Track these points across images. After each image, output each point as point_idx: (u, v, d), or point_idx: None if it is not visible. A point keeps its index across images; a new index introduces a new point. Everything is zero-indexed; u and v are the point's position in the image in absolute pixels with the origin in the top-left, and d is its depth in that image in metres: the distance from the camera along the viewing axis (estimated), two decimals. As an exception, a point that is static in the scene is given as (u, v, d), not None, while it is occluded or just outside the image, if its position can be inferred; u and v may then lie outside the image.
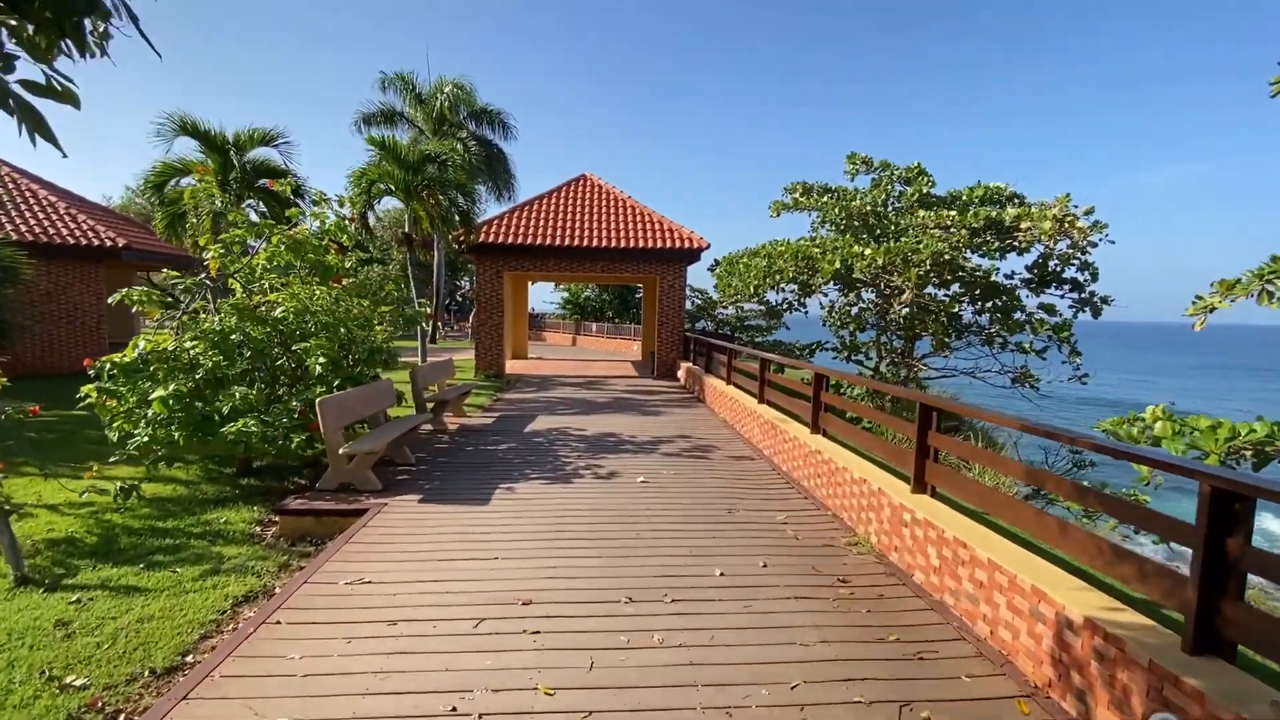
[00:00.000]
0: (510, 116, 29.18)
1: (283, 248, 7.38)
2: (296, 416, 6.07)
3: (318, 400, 5.67)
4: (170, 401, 5.64)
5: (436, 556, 4.47)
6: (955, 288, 14.57)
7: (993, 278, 11.76)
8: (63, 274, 14.30)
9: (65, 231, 14.35)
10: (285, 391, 6.50)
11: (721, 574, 4.22)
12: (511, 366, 18.19)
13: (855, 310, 16.44)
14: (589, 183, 18.49)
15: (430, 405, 8.97)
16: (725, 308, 34.91)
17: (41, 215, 14.68)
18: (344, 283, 7.94)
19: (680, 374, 15.35)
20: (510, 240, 15.47)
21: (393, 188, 12.62)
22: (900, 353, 15.24)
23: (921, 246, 11.02)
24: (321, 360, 6.30)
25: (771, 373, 8.81)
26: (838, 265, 11.66)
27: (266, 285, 7.25)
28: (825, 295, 15.16)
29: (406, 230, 12.91)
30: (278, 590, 4.28)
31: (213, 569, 4.60)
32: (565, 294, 35.73)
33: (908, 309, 11.76)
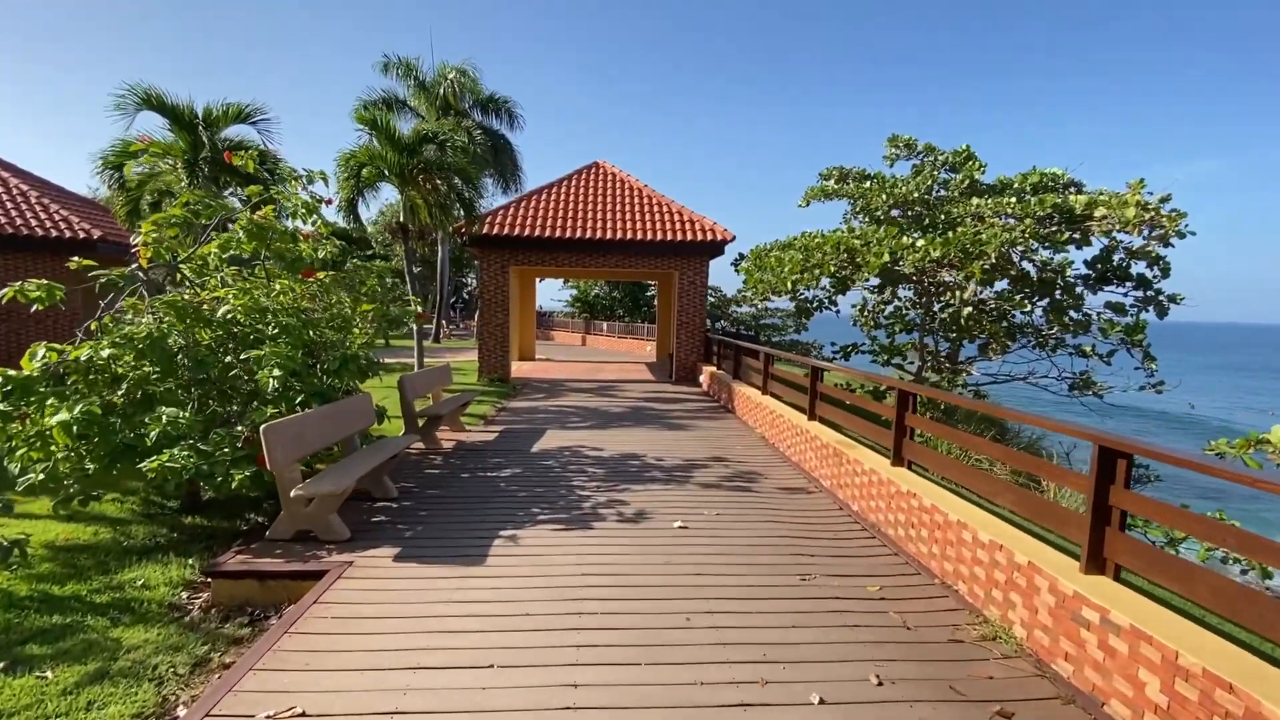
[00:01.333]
0: (518, 105, 27.87)
1: (242, 234, 6.09)
2: (242, 445, 4.77)
3: (262, 427, 4.36)
4: (75, 427, 4.35)
5: (406, 662, 3.15)
6: (1001, 284, 13.15)
7: (1068, 272, 10.32)
8: (31, 268, 13.11)
9: (35, 222, 13.18)
10: (233, 412, 5.20)
11: (821, 701, 2.87)
12: (518, 369, 16.88)
13: (891, 308, 15.08)
14: (602, 171, 17.13)
15: (421, 421, 7.66)
16: (741, 306, 33.60)
17: (10, 204, 13.52)
18: (318, 276, 6.64)
19: (703, 379, 13.99)
20: (516, 232, 14.15)
21: (386, 172, 11.32)
22: (946, 356, 13.82)
23: (987, 236, 9.60)
24: (276, 373, 5.00)
25: (822, 383, 7.43)
26: (885, 259, 10.26)
27: (221, 279, 5.95)
28: (852, 293, 13.79)
29: (401, 220, 11.60)
30: (180, 714, 2.98)
31: (100, 669, 3.30)
32: (574, 291, 34.39)
33: (969, 307, 10.34)
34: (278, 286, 5.78)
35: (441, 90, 25.40)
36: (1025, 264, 10.50)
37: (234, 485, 4.56)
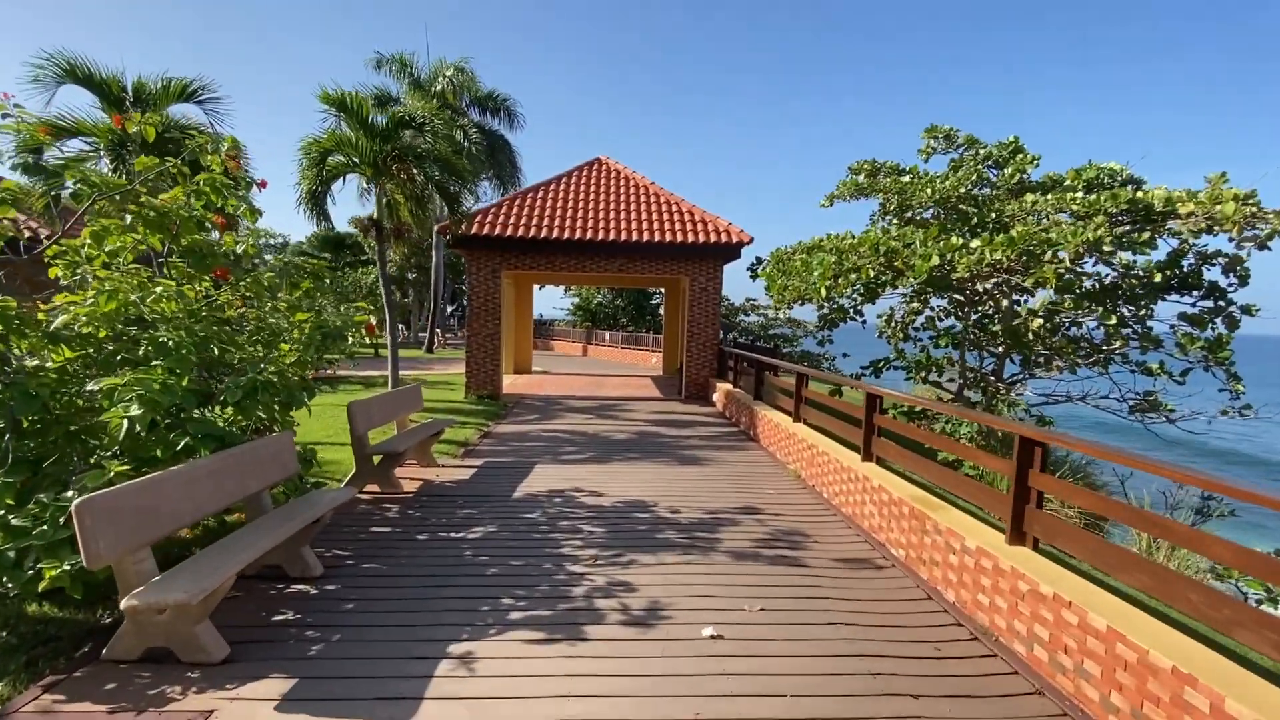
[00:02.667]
0: (516, 104, 26.64)
1: (133, 221, 4.63)
2: (68, 520, 3.25)
3: (76, 502, 2.84)
4: None
5: None
6: (1043, 292, 11.61)
7: (1156, 277, 8.77)
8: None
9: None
10: (68, 471, 3.66)
11: None
12: (511, 384, 15.36)
13: (923, 318, 13.56)
14: (605, 167, 15.68)
15: (377, 458, 6.13)
16: (749, 314, 32.08)
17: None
18: (245, 281, 5.15)
19: (716, 397, 12.44)
20: (509, 232, 12.68)
21: (356, 160, 9.85)
22: (991, 373, 12.25)
23: (1057, 236, 8.07)
24: (135, 410, 3.48)
25: (881, 413, 5.87)
26: (934, 261, 8.73)
27: (92, 277, 4.44)
28: (878, 302, 12.23)
29: (375, 216, 10.13)
30: None
31: None
32: (575, 299, 32.93)
33: (1039, 318, 8.78)
34: (159, 289, 4.26)
35: (438, 87, 24.18)
36: (1100, 268, 8.98)
37: (41, 585, 3.04)
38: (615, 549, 4.79)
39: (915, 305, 13.35)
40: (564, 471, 7.14)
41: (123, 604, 2.93)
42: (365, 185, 10.50)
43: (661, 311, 33.68)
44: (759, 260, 14.01)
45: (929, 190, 10.96)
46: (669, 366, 18.96)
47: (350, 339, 5.17)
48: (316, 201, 9.62)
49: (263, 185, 5.85)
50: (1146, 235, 8.95)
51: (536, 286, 35.95)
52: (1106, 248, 7.84)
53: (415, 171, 9.61)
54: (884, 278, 9.56)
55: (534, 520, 5.42)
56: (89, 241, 4.53)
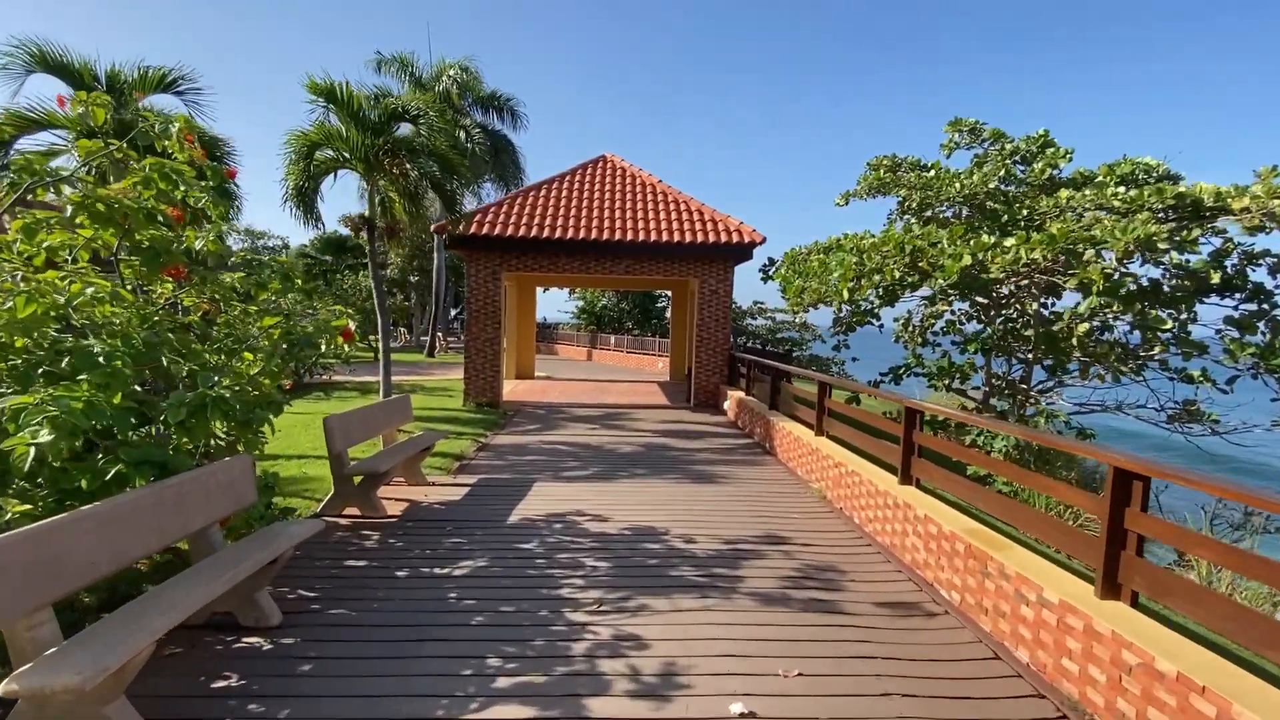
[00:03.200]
0: (520, 104, 26.15)
1: (74, 214, 4.05)
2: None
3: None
4: None
5: None
6: (1071, 295, 10.92)
7: (1214, 278, 8.07)
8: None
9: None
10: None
11: None
12: (513, 390, 14.75)
13: (943, 322, 12.91)
14: (610, 165, 15.08)
15: (357, 478, 5.52)
16: (756, 318, 31.40)
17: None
18: (195, 279, 4.56)
19: (728, 406, 11.79)
20: (510, 232, 12.09)
21: (346, 155, 9.28)
22: (1019, 380, 11.56)
23: (1101, 234, 7.40)
24: (44, 436, 2.88)
25: (921, 430, 5.21)
26: (966, 261, 8.07)
27: (20, 278, 3.86)
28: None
29: (367, 214, 9.54)
30: None
31: None
32: (580, 302, 32.34)
33: (1085, 322, 8.11)
34: (90, 290, 3.66)
35: (440, 87, 23.76)
36: (1148, 268, 8.30)
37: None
38: (622, 590, 4.15)
39: (935, 309, 12.69)
40: (565, 491, 6.50)
41: (1, 688, 2.32)
42: (364, 183, 9.92)
43: (668, 315, 33.13)
44: (771, 261, 13.37)
45: (957, 185, 10.30)
46: (676, 372, 18.32)
47: (324, 347, 4.56)
48: (304, 198, 9.05)
49: (231, 175, 5.27)
50: (1196, 233, 8.27)
51: (540, 289, 35.31)
52: (1161, 245, 7.16)
53: (409, 167, 9.02)
54: (910, 279, 8.90)
55: (530, 552, 4.79)
56: (20, 236, 3.94)
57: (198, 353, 4.26)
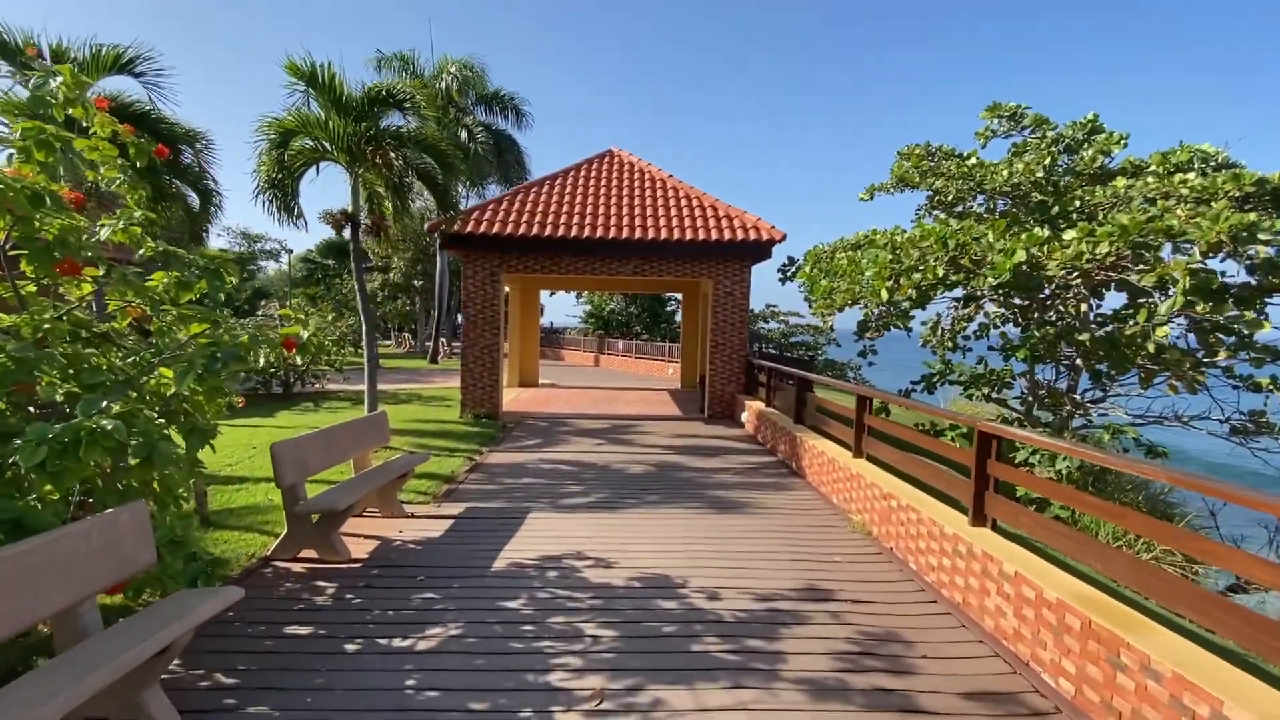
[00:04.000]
0: (525, 101, 25.42)
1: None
2: None
3: None
4: None
5: None
6: (1113, 294, 9.89)
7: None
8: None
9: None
10: None
11: None
12: (514, 400, 13.86)
13: (976, 325, 11.92)
14: (617, 159, 14.20)
15: (315, 516, 4.62)
16: (768, 321, 30.37)
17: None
18: (109, 276, 3.69)
19: (746, 418, 10.83)
20: (510, 230, 11.22)
21: (327, 145, 8.44)
22: (1066, 390, 10.53)
23: (1205, 223, 6.39)
24: None
25: (998, 458, 4.24)
26: (1020, 256, 7.09)
27: None
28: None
29: (350, 210, 8.70)
30: None
31: None
32: (588, 306, 31.47)
33: (1166, 324, 7.09)
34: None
35: (443, 84, 23.09)
36: (1230, 263, 7.28)
37: None
38: (630, 675, 3.21)
39: (966, 311, 11.69)
40: (564, 525, 5.57)
41: None
42: (348, 176, 9.08)
43: (678, 319, 32.18)
44: (791, 261, 12.41)
45: (1004, 174, 9.31)
46: (688, 379, 17.38)
47: (254, 358, 3.66)
48: (280, 192, 8.21)
49: (161, 154, 4.40)
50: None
51: (547, 293, 34.48)
52: (1263, 236, 6.14)
53: (394, 156, 8.16)
54: (953, 277, 7.93)
55: (516, 614, 3.86)
56: None
57: (96, 369, 3.38)
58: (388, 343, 41.88)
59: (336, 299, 24.18)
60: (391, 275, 29.04)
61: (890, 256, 8.24)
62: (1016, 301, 10.49)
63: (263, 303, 22.83)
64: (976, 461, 4.23)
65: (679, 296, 31.77)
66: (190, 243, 11.23)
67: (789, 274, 12.39)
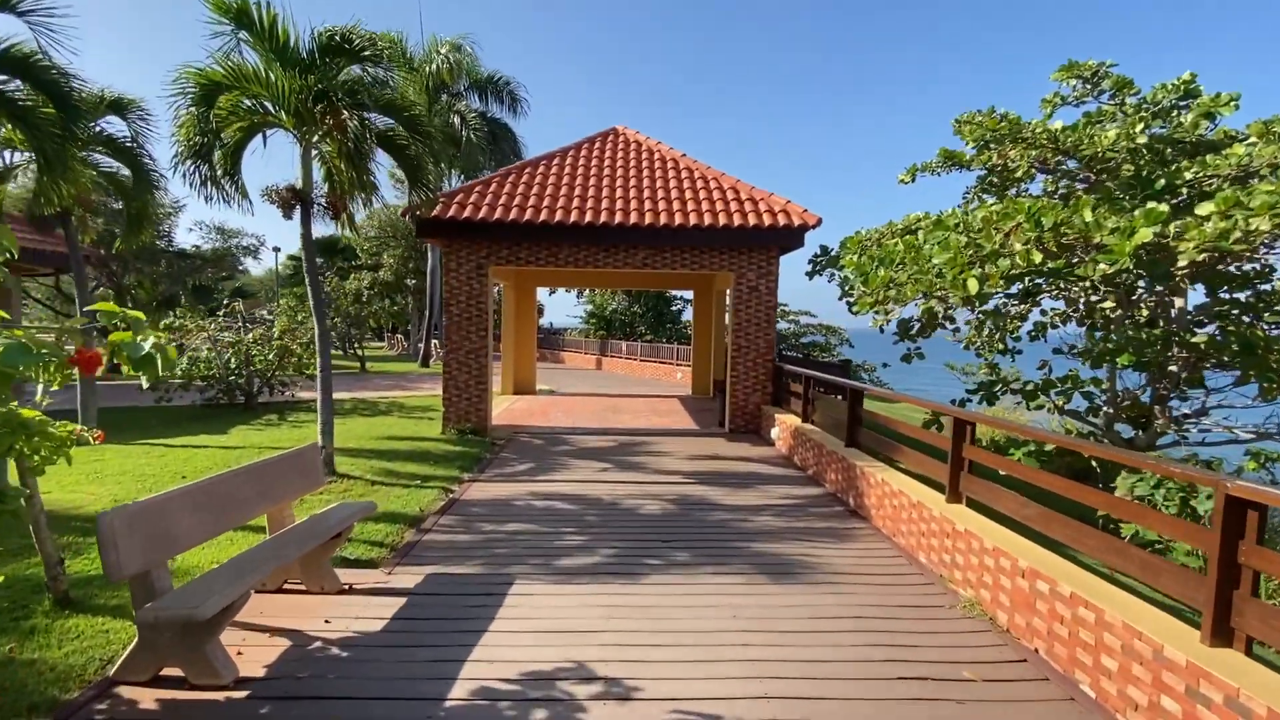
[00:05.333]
0: (521, 86, 23.89)
1: None
2: None
3: None
4: None
5: None
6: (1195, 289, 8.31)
7: None
8: None
9: None
10: None
11: None
12: (508, 410, 12.26)
13: (1032, 324, 10.43)
14: (623, 138, 12.59)
15: (168, 631, 2.99)
16: (780, 320, 28.74)
17: None
18: None
19: (777, 435, 9.21)
20: (499, 215, 9.62)
21: (269, 105, 6.84)
22: (1154, 400, 8.91)
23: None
24: None
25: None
26: (1145, 238, 5.48)
27: None
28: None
29: (299, 185, 7.09)
30: None
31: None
32: (589, 306, 29.83)
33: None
34: None
35: (432, 67, 21.61)
36: None
37: None
38: None
39: (1022, 307, 10.10)
40: (559, 609, 3.96)
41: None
42: (298, 145, 7.46)
43: (685, 318, 30.51)
44: (824, 250, 10.78)
45: (1110, 135, 7.67)
46: (699, 384, 15.77)
47: (26, 375, 2.09)
48: (205, 163, 6.61)
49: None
50: None
51: (546, 291, 32.60)
52: None
53: (347, 117, 6.55)
54: (1054, 262, 6.31)
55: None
56: None
57: None
58: (380, 344, 40.26)
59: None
60: (382, 273, 27.42)
61: (963, 240, 6.62)
62: (1097, 298, 8.90)
63: (227, 303, 21.24)
64: (1222, 542, 2.62)
65: (687, 294, 30.17)
66: (130, 227, 9.67)
67: (820, 265, 10.75)
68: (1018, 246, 6.28)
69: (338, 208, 7.30)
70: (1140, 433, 9.15)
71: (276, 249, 35.66)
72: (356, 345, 23.72)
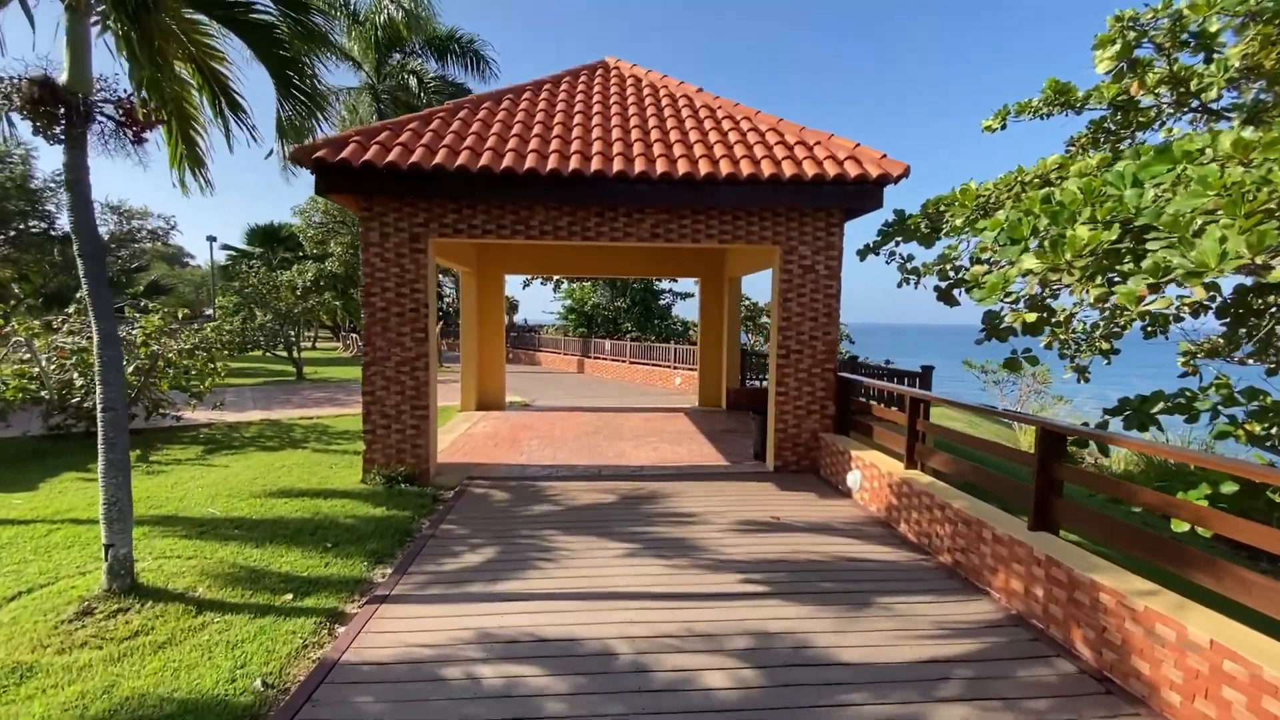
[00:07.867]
0: (487, 45, 20.59)
1: None
2: None
3: None
4: None
5: None
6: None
7: None
8: None
9: None
10: None
11: None
12: (464, 441, 9.11)
13: (1187, 315, 7.64)
14: (616, 72, 9.52)
15: None
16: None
17: None
18: None
19: (856, 483, 6.25)
20: (438, 159, 6.44)
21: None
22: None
23: None
24: None
25: None
26: None
27: None
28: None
29: (46, 73, 3.93)
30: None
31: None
32: (568, 301, 26.56)
33: None
34: None
35: (383, 18, 18.47)
36: None
37: None
38: None
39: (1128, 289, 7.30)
40: None
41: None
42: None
43: (675, 314, 27.45)
44: (901, 216, 7.82)
45: None
46: (707, 394, 12.81)
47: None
48: None
49: None
50: None
51: (520, 283, 29.06)
52: None
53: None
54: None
55: None
56: None
57: None
58: (335, 345, 36.53)
59: (247, 291, 19.03)
60: (328, 264, 23.85)
61: (1200, 186, 3.75)
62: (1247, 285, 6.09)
63: (145, 302, 17.70)
64: None
65: (677, 287, 27.13)
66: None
67: (891, 235, 7.79)
68: (1262, 195, 3.42)
69: (134, 118, 4.11)
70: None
71: (211, 238, 31.76)
72: (294, 347, 20.27)
